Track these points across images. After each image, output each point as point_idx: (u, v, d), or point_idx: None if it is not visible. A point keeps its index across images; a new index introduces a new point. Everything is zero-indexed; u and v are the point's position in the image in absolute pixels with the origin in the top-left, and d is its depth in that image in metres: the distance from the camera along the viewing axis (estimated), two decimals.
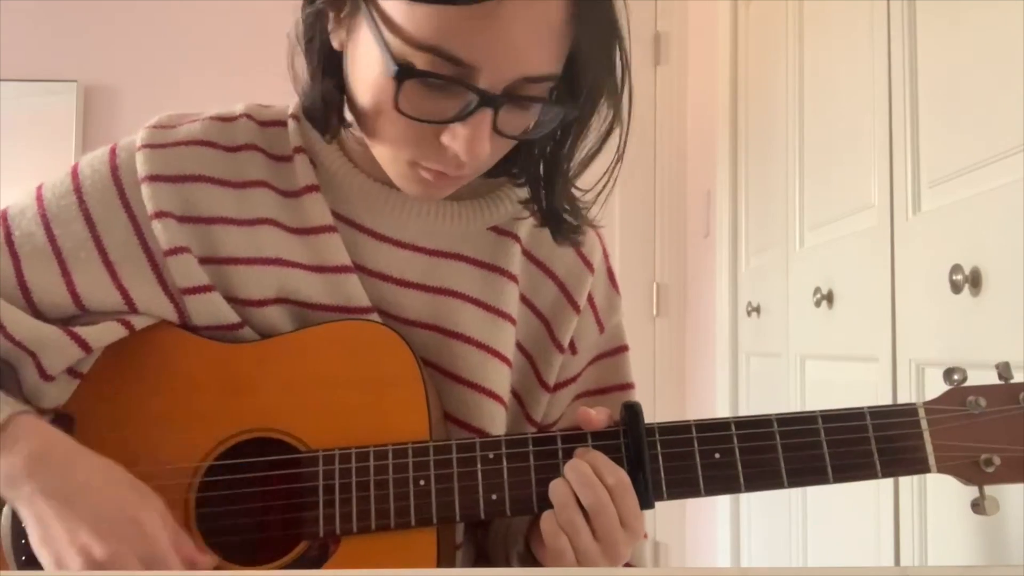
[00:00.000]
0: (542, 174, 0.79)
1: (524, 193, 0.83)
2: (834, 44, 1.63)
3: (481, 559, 0.86)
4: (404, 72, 0.65)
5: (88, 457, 0.69)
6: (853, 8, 1.50)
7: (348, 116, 0.77)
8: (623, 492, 0.70)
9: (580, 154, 0.76)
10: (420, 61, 0.64)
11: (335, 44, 0.72)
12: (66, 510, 0.66)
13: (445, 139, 0.68)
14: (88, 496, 0.66)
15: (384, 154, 0.74)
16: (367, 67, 0.69)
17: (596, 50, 0.69)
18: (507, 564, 0.81)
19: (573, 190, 0.80)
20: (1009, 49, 0.99)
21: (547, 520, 0.70)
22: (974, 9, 1.09)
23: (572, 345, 0.86)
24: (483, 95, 0.65)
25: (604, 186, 0.78)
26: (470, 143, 0.66)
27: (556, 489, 0.70)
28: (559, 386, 0.86)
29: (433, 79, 0.65)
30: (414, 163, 0.72)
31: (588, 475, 0.69)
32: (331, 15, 0.71)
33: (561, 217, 0.80)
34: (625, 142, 0.75)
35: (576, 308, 0.85)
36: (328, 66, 0.74)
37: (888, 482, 1.28)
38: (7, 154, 2.86)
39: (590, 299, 0.87)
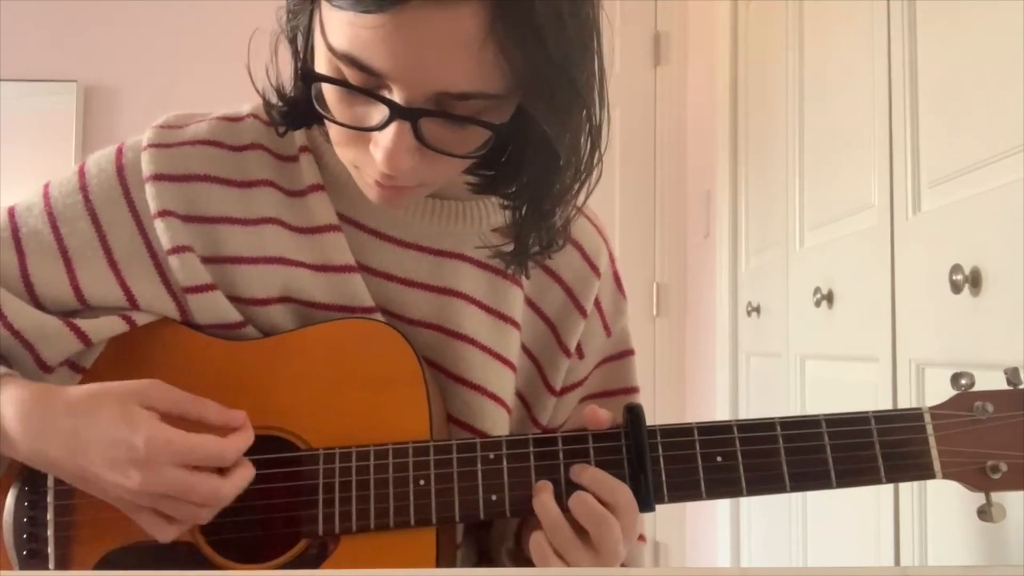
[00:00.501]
0: (531, 198, 0.74)
1: (502, 218, 0.80)
2: (834, 44, 1.63)
3: (483, 559, 0.86)
4: (308, 76, 0.65)
5: (64, 398, 0.69)
6: (853, 8, 1.50)
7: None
8: (625, 509, 0.70)
9: (561, 182, 0.71)
10: (342, 67, 0.63)
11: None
12: (82, 462, 0.66)
13: (371, 147, 0.66)
14: (87, 440, 0.66)
15: (339, 155, 0.73)
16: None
17: (533, 68, 0.62)
18: (501, 562, 0.82)
19: (548, 221, 0.75)
20: (1009, 49, 0.99)
21: (537, 543, 0.70)
22: (974, 9, 1.09)
23: (579, 349, 0.86)
24: (394, 107, 0.62)
25: (570, 210, 0.75)
26: (386, 154, 0.64)
27: (544, 511, 0.70)
28: (565, 390, 0.86)
29: (344, 86, 0.64)
30: (356, 167, 0.71)
31: (596, 510, 0.69)
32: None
33: (526, 249, 0.76)
34: (600, 169, 0.72)
35: (583, 313, 0.85)
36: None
37: None
38: (7, 154, 2.86)
39: (597, 303, 0.87)
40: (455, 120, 0.64)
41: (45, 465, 0.69)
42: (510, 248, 0.76)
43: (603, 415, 0.73)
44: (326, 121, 0.69)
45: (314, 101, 0.67)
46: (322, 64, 0.65)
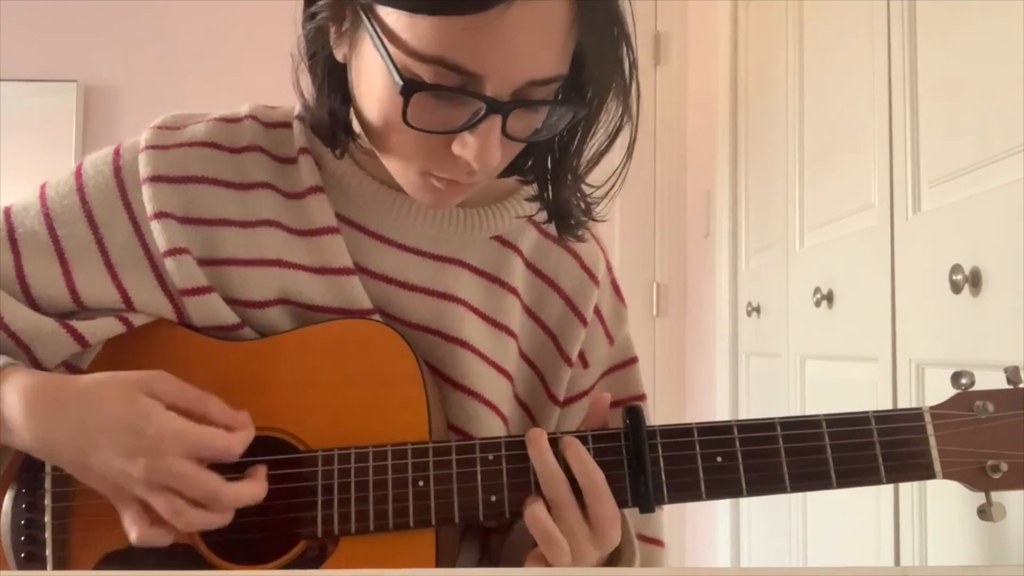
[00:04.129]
0: (550, 169, 0.78)
1: (531, 190, 0.82)
2: (834, 44, 1.63)
3: (485, 559, 0.85)
4: (411, 86, 0.64)
5: (70, 384, 0.69)
6: (853, 8, 1.50)
7: (357, 128, 0.76)
8: (597, 496, 0.70)
9: (590, 151, 0.76)
10: (425, 72, 0.64)
11: (339, 57, 0.72)
12: (87, 448, 0.66)
13: (456, 148, 0.67)
14: (94, 427, 0.66)
15: (395, 166, 0.73)
16: (372, 81, 0.68)
17: (601, 47, 0.68)
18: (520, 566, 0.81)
19: (582, 186, 0.79)
20: (1009, 49, 0.99)
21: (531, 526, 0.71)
22: (974, 9, 1.09)
23: (582, 358, 0.86)
24: (491, 103, 0.64)
25: (614, 185, 0.77)
26: (480, 151, 0.66)
27: (531, 517, 0.70)
28: (570, 400, 0.86)
29: (446, 90, 0.64)
30: (426, 173, 0.71)
31: (552, 471, 0.70)
32: (332, 29, 0.70)
33: (568, 212, 0.79)
34: (634, 139, 0.76)
35: (583, 321, 0.85)
36: (332, 80, 0.74)
37: None
38: (7, 154, 2.86)
39: (597, 312, 0.87)
40: (533, 106, 0.67)
41: (48, 452, 0.68)
42: (544, 218, 0.80)
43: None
44: (396, 134, 0.69)
45: (402, 114, 0.65)
46: (395, 75, 0.65)
